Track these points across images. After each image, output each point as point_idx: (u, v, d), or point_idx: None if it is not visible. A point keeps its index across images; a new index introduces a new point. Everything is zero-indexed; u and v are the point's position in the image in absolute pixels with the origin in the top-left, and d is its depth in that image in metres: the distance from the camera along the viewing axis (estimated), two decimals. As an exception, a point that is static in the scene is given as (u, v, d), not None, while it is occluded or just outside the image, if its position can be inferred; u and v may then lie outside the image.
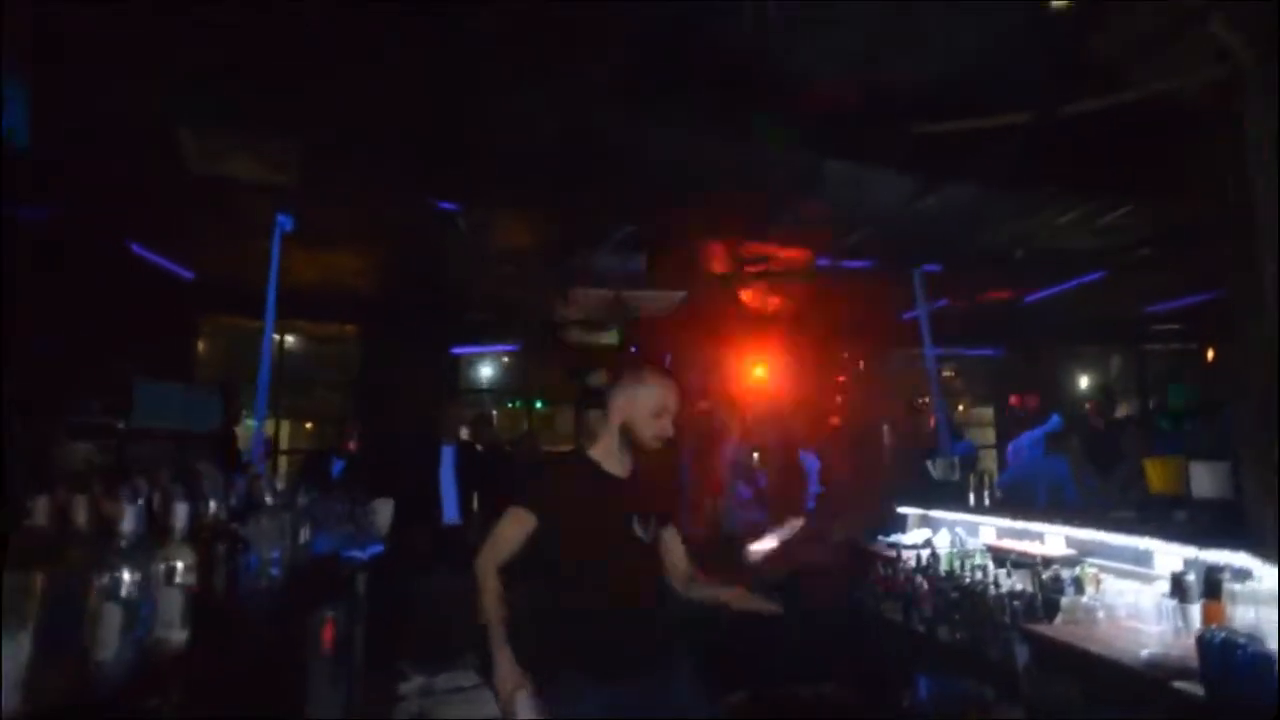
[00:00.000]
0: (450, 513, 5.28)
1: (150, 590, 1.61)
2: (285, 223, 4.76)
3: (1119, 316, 7.66)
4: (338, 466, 5.00)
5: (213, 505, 2.02)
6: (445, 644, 4.44)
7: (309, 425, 11.45)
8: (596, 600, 2.16)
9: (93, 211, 4.61)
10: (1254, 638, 2.16)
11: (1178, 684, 2.23)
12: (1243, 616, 2.48)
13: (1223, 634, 2.19)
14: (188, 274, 6.07)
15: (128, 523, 1.54)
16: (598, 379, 6.56)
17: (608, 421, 2.31)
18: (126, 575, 1.48)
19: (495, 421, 7.76)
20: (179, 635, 1.65)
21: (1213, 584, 2.62)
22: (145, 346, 6.05)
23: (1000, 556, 3.82)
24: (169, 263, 5.81)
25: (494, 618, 2.16)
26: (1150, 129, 3.04)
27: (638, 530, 2.23)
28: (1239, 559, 2.67)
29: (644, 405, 2.27)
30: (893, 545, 4.34)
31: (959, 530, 4.29)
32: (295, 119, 3.61)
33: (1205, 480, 2.85)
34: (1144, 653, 2.45)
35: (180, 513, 1.70)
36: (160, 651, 1.61)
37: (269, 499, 2.41)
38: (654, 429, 2.27)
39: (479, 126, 3.75)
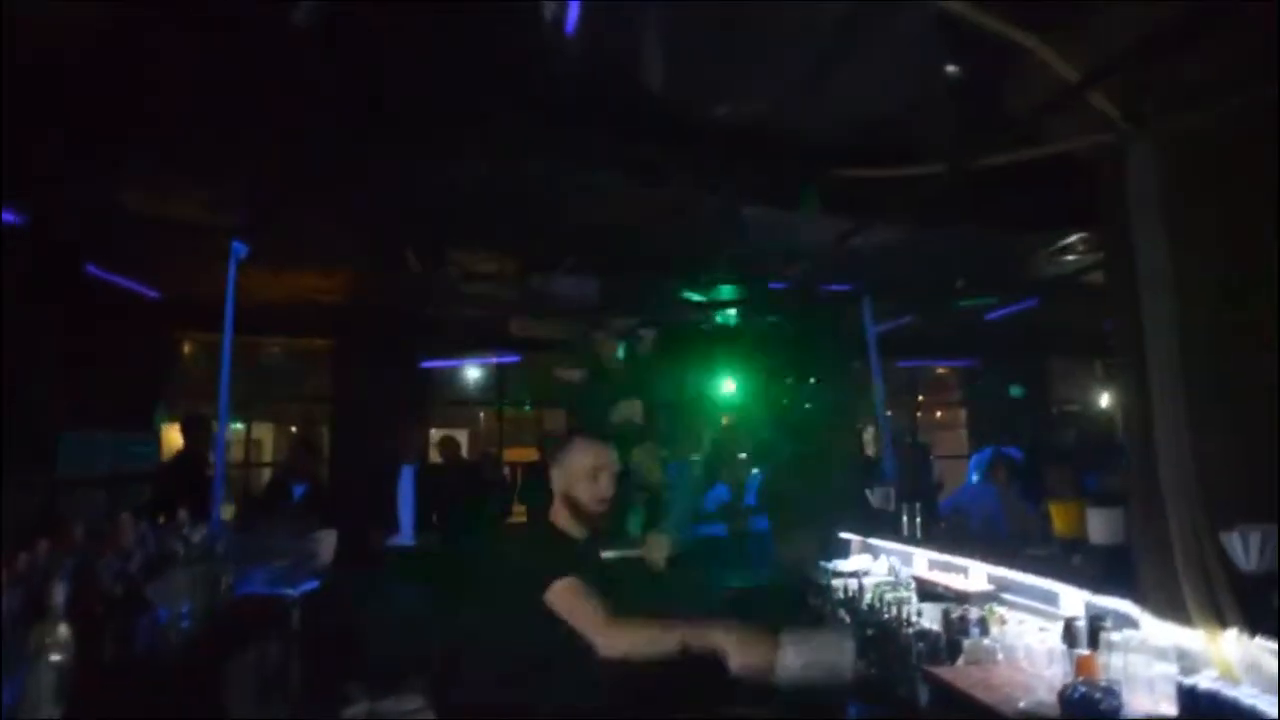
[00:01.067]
0: (405, 534, 5.38)
1: (19, 670, 1.71)
2: (240, 249, 4.85)
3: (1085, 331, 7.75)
4: (299, 491, 5.08)
5: (114, 571, 2.10)
6: (392, 668, 4.55)
7: (295, 429, 11.59)
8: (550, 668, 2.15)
9: (46, 234, 4.69)
10: (1111, 691, 2.26)
11: (1043, 736, 2.33)
12: (1116, 666, 2.58)
13: (1083, 689, 2.28)
14: (152, 294, 6.17)
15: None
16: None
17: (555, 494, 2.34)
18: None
19: (467, 439, 7.87)
20: (51, 713, 1.74)
21: (1094, 632, 2.71)
22: (113, 370, 6.18)
23: (926, 589, 3.92)
24: (131, 283, 5.90)
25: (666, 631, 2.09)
26: (1056, 182, 3.13)
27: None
28: (1125, 606, 2.76)
29: (576, 471, 2.30)
30: (829, 572, 4.43)
31: (894, 560, 4.38)
32: (234, 162, 3.70)
33: (1100, 526, 2.94)
34: (1021, 702, 2.55)
35: (58, 592, 1.79)
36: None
37: (181, 551, 2.50)
38: (591, 492, 2.30)
39: (416, 171, 3.85)
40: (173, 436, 7.30)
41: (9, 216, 3.48)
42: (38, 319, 4.44)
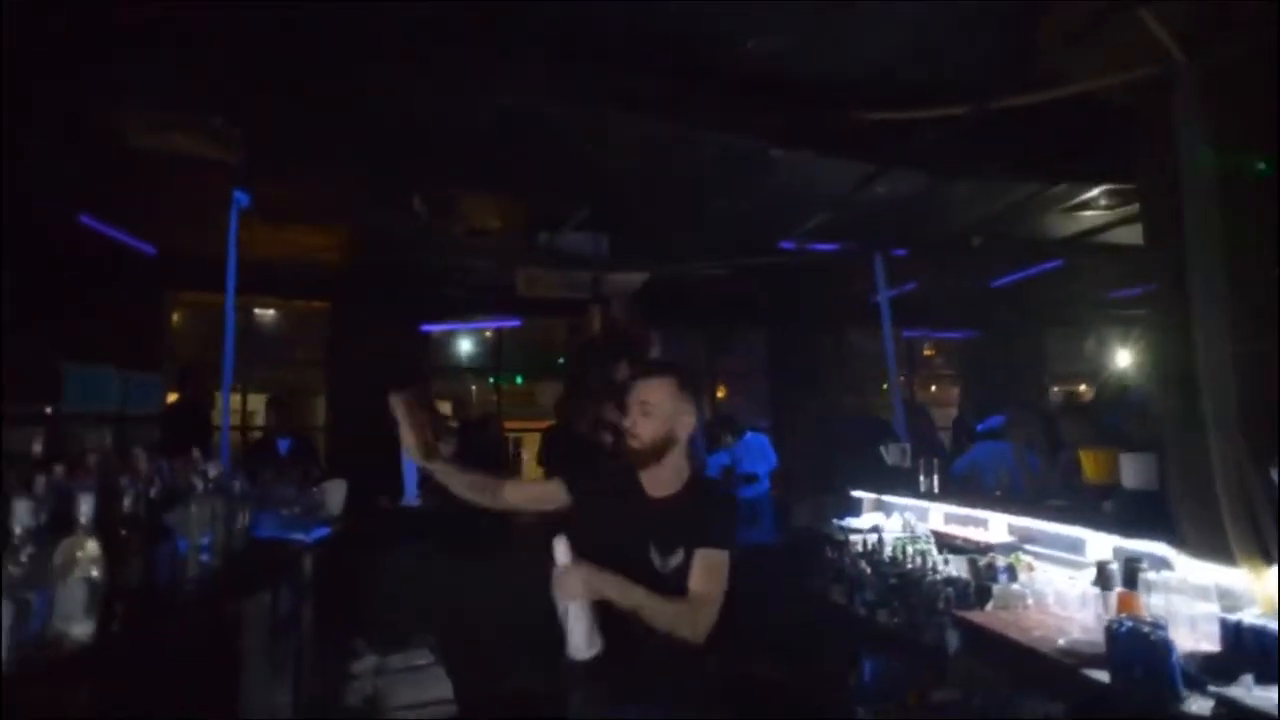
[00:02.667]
0: (410, 494, 5.30)
1: (48, 583, 1.62)
2: (241, 198, 4.70)
3: (1083, 302, 7.75)
4: (284, 445, 4.98)
5: (134, 493, 2.01)
6: (400, 624, 4.50)
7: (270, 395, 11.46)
8: None
9: (40, 185, 4.54)
10: (1159, 626, 2.22)
11: (1087, 671, 2.30)
12: (1156, 605, 2.56)
13: (1130, 623, 2.25)
14: (150, 249, 6.00)
15: (20, 516, 1.54)
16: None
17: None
18: (13, 569, 1.48)
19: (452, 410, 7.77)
20: (81, 628, 1.66)
21: (1130, 573, 2.68)
22: (112, 325, 6.02)
23: (945, 542, 3.90)
24: (128, 238, 5.73)
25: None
26: (1088, 122, 3.06)
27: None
28: (1160, 549, 2.74)
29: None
30: (843, 529, 4.40)
31: (908, 515, 4.36)
32: (237, 97, 3.56)
33: (1133, 471, 2.91)
34: (1060, 640, 2.52)
35: (84, 504, 1.70)
36: (61, 644, 1.63)
37: (199, 485, 2.41)
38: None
39: (427, 111, 3.73)
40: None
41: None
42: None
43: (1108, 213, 4.67)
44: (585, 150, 4.09)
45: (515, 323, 8.52)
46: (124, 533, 1.92)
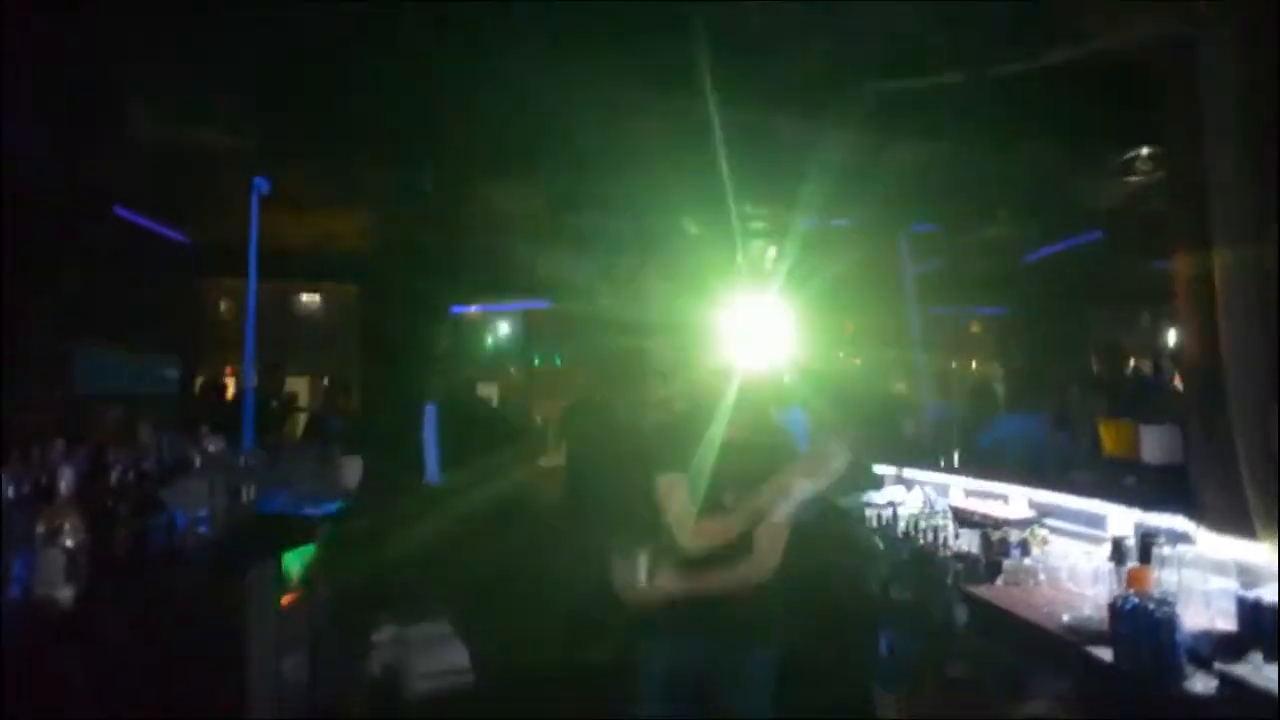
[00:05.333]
0: (431, 473, 5.37)
1: (31, 550, 1.68)
2: (261, 185, 4.79)
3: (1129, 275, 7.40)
4: (333, 426, 5.12)
5: (124, 468, 2.07)
6: (420, 597, 4.57)
7: (326, 381, 11.78)
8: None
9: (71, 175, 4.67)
10: (1165, 603, 2.12)
11: (1090, 649, 2.21)
12: (1170, 581, 2.44)
13: (1135, 599, 2.15)
14: (182, 238, 6.17)
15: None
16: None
17: None
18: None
19: (498, 391, 7.85)
20: (64, 593, 1.71)
21: (1145, 549, 2.57)
22: (149, 313, 6.23)
23: (964, 517, 3.80)
24: (160, 227, 5.90)
25: None
26: (1110, 85, 2.90)
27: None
28: (1181, 524, 2.62)
29: None
30: (864, 504, 4.32)
31: (928, 490, 4.26)
32: (250, 83, 3.61)
33: (1154, 444, 2.78)
34: (1065, 617, 2.43)
35: (65, 478, 1.75)
36: (46, 606, 1.68)
37: (198, 460, 2.47)
38: None
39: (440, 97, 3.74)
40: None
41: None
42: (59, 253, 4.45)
43: (1147, 179, 4.44)
44: (597, 127, 4.06)
45: (544, 304, 8.56)
46: (111, 504, 1.97)
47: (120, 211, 5.46)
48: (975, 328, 11.44)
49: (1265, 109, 2.36)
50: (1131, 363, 8.39)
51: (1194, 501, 2.52)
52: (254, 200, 4.80)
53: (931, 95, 3.31)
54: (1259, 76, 2.38)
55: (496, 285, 7.64)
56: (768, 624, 2.38)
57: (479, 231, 6.07)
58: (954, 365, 11.27)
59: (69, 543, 1.72)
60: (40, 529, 1.70)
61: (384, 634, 4.21)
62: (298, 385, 12.58)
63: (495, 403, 9.72)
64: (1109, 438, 3.01)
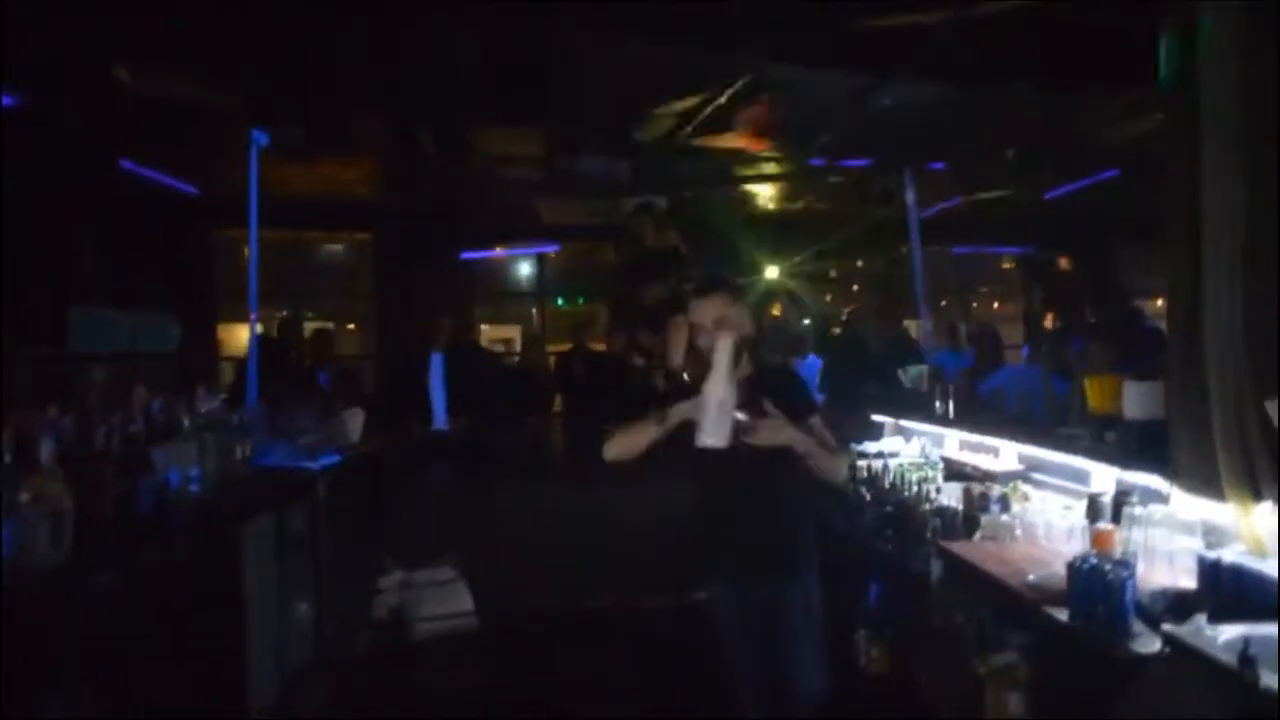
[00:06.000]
0: (439, 419, 5.50)
1: (15, 520, 1.78)
2: (260, 138, 4.80)
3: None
4: (323, 377, 5.22)
5: (108, 431, 2.15)
6: (426, 541, 4.75)
7: (351, 327, 11.95)
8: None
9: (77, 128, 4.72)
10: (1124, 564, 2.14)
11: (1048, 608, 2.25)
12: (1138, 540, 2.45)
13: (1093, 560, 2.17)
14: (191, 189, 6.23)
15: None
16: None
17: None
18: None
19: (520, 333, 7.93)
20: (50, 556, 1.82)
21: (1116, 507, 2.57)
22: (161, 264, 6.36)
23: (955, 469, 3.82)
24: (169, 179, 5.96)
25: None
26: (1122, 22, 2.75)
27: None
28: (1156, 481, 2.61)
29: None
30: (858, 453, 4.34)
31: (925, 441, 4.26)
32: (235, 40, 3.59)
33: (1137, 400, 2.74)
34: (1030, 576, 2.46)
35: (45, 446, 1.84)
36: (29, 568, 1.80)
37: (186, 421, 2.57)
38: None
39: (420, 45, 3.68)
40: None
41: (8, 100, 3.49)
42: (66, 209, 4.54)
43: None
44: (597, 76, 3.97)
45: (553, 247, 8.55)
46: (96, 469, 2.07)
47: (127, 165, 5.54)
48: (1008, 264, 11.20)
49: (1259, 56, 2.24)
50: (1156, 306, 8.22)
51: (1169, 460, 2.50)
52: (253, 154, 4.83)
53: (920, 33, 3.18)
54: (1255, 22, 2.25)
55: (504, 231, 7.65)
56: (796, 558, 2.46)
57: (482, 178, 6.05)
58: (974, 306, 11.10)
59: (52, 510, 1.82)
60: (24, 497, 1.80)
61: (390, 578, 4.41)
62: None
63: (518, 343, 9.84)
64: (1094, 393, 2.98)
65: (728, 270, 8.06)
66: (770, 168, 5.75)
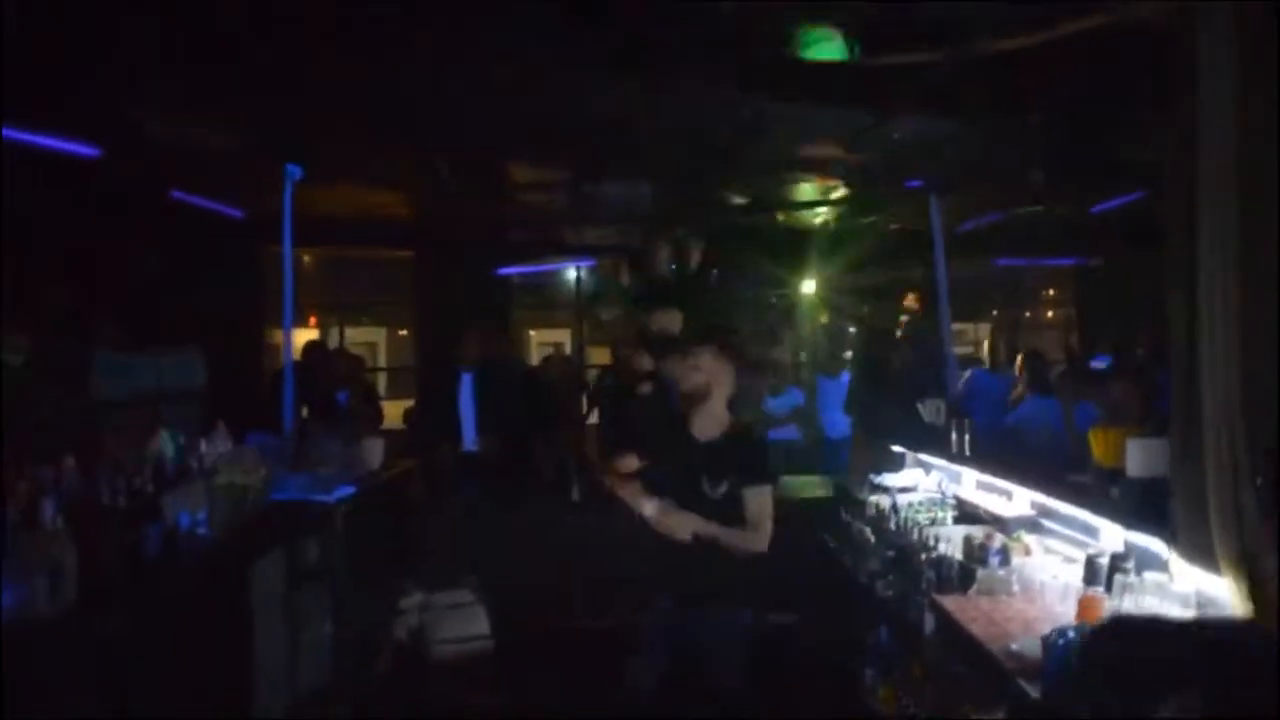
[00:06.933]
0: (468, 440, 5.58)
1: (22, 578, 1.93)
2: (295, 172, 5.01)
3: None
4: (342, 398, 5.37)
5: (115, 484, 2.30)
6: (447, 563, 4.89)
7: (404, 333, 12.31)
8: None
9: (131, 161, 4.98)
10: (1102, 642, 2.07)
11: (1022, 681, 2.19)
12: (1128, 609, 2.37)
13: (1070, 634, 2.11)
14: (237, 213, 6.53)
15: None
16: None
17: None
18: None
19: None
20: (49, 609, 1.97)
21: (1110, 572, 2.49)
22: (215, 286, 6.68)
23: (967, 511, 3.73)
24: (216, 204, 6.26)
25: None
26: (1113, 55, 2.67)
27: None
28: (1157, 545, 2.52)
29: None
30: (874, 487, 4.29)
31: (943, 477, 4.18)
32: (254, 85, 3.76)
33: (1140, 459, 2.66)
34: (1013, 645, 2.40)
35: (47, 508, 1.99)
36: (27, 622, 1.94)
37: (195, 465, 2.71)
38: None
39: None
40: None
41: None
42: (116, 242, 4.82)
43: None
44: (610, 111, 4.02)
45: (590, 262, 8.63)
46: (101, 521, 2.21)
47: (177, 195, 5.85)
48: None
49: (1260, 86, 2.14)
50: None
51: (1168, 524, 2.41)
52: (287, 186, 5.04)
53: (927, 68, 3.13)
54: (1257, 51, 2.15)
55: (537, 248, 7.76)
56: (733, 585, 2.69)
57: (516, 199, 6.16)
58: (1026, 316, 10.75)
59: (52, 568, 1.96)
60: (31, 558, 1.95)
61: (411, 600, 4.55)
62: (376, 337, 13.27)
63: (568, 347, 9.93)
64: (1098, 445, 2.88)
65: (761, 289, 8.05)
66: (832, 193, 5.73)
